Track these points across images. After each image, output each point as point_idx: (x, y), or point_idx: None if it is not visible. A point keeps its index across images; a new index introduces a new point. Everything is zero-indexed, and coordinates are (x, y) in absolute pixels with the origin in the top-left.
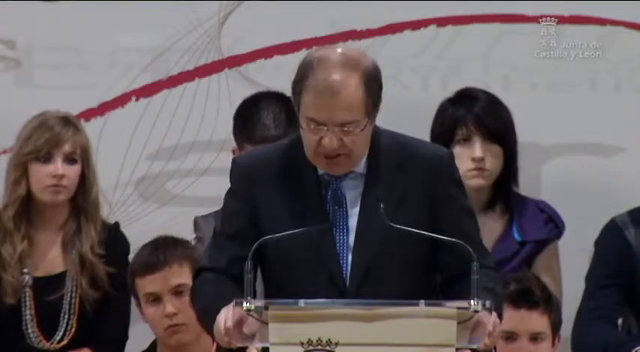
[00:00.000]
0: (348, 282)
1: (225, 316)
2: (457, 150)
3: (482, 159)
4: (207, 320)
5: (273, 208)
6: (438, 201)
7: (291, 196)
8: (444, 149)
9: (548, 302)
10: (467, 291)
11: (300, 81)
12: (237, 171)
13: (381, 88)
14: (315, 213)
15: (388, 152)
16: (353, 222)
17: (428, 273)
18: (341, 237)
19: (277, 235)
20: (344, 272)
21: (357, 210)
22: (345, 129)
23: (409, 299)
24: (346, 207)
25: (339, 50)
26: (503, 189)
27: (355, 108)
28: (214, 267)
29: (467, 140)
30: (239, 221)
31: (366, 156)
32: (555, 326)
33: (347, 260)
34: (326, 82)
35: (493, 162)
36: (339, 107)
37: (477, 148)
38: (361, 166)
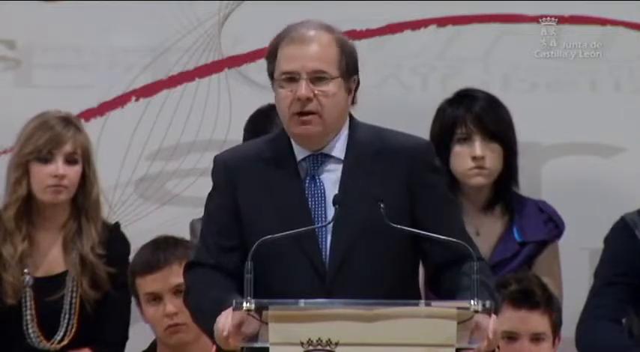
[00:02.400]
0: (327, 265)
1: (226, 318)
2: (457, 149)
3: (482, 158)
4: (203, 320)
5: (254, 200)
6: (418, 189)
7: (270, 186)
8: (422, 139)
9: (548, 303)
10: (456, 282)
11: (274, 45)
12: (218, 168)
13: (356, 60)
14: (294, 202)
15: (366, 141)
16: (331, 207)
17: (412, 259)
18: (319, 223)
19: (277, 235)
20: (323, 256)
21: (335, 195)
22: (318, 76)
23: (394, 285)
24: (324, 195)
25: (313, 20)
26: (503, 189)
27: (327, 60)
28: (205, 262)
29: (466, 139)
30: (223, 216)
31: (345, 143)
32: (556, 326)
33: (326, 244)
34: (299, 34)
35: (493, 161)
36: (312, 54)
37: (477, 147)
38: (339, 152)
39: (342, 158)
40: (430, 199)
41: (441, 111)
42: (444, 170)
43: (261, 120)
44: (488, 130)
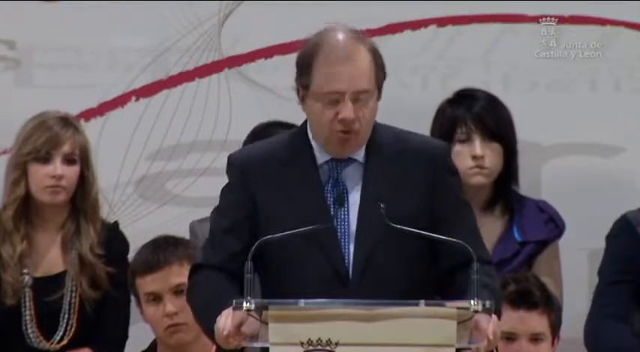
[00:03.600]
0: (350, 271)
1: (226, 319)
2: (457, 148)
3: (482, 157)
4: (203, 319)
5: (273, 201)
6: (436, 190)
7: (290, 187)
8: (440, 141)
9: (547, 303)
10: (465, 285)
11: (308, 57)
12: (234, 166)
13: (384, 66)
14: (315, 205)
15: (386, 143)
16: (354, 211)
17: (428, 260)
18: (342, 227)
19: (277, 235)
20: (346, 261)
21: (357, 199)
22: (361, 97)
23: (412, 287)
24: (347, 197)
25: (341, 28)
26: (503, 189)
27: (368, 77)
28: (210, 264)
29: (466, 139)
30: (236, 213)
31: (365, 146)
32: (555, 326)
33: (349, 249)
34: (339, 51)
35: (493, 160)
36: (356, 74)
37: (477, 146)
38: (360, 155)
39: (363, 161)
40: (447, 201)
41: (441, 111)
42: None
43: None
44: (489, 130)
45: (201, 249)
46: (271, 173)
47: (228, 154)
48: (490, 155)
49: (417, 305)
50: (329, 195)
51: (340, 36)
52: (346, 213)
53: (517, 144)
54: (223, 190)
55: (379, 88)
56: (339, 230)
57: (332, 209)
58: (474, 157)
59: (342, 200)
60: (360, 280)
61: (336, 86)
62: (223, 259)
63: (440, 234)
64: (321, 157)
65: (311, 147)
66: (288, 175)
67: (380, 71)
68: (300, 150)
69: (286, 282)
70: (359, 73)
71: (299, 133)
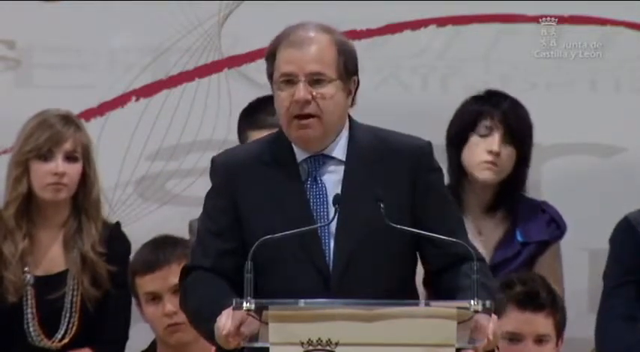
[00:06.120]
0: (331, 268)
1: (226, 318)
2: (475, 140)
3: (497, 154)
4: (199, 322)
5: (255, 202)
6: (419, 191)
7: (271, 187)
8: (422, 139)
9: (553, 304)
10: (455, 283)
11: (274, 46)
12: (217, 169)
13: (356, 61)
14: (296, 202)
15: (367, 143)
16: (334, 210)
17: (413, 260)
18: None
19: (277, 235)
20: (327, 259)
21: (335, 194)
22: (315, 78)
23: (394, 285)
24: (327, 196)
25: (314, 22)
26: (508, 193)
27: (325, 62)
28: (202, 266)
29: (487, 134)
30: (222, 218)
31: (345, 145)
32: (560, 327)
33: (329, 247)
34: (298, 37)
35: (506, 161)
36: (309, 57)
37: (496, 142)
38: (340, 153)
39: (344, 159)
40: (431, 200)
41: (465, 105)
42: (451, 167)
43: (251, 107)
44: (511, 130)
45: (192, 250)
46: (253, 175)
47: (212, 157)
48: (504, 154)
49: (417, 305)
50: (309, 192)
51: (305, 26)
52: (326, 210)
53: (531, 155)
54: (208, 194)
55: (344, 78)
56: (319, 228)
57: (312, 206)
58: (489, 152)
59: (337, 199)
60: (341, 279)
61: (289, 68)
62: (213, 261)
63: (426, 239)
64: (300, 155)
65: (291, 146)
66: (270, 176)
67: (346, 61)
68: (280, 150)
69: (270, 282)
70: (314, 56)
71: (280, 135)
